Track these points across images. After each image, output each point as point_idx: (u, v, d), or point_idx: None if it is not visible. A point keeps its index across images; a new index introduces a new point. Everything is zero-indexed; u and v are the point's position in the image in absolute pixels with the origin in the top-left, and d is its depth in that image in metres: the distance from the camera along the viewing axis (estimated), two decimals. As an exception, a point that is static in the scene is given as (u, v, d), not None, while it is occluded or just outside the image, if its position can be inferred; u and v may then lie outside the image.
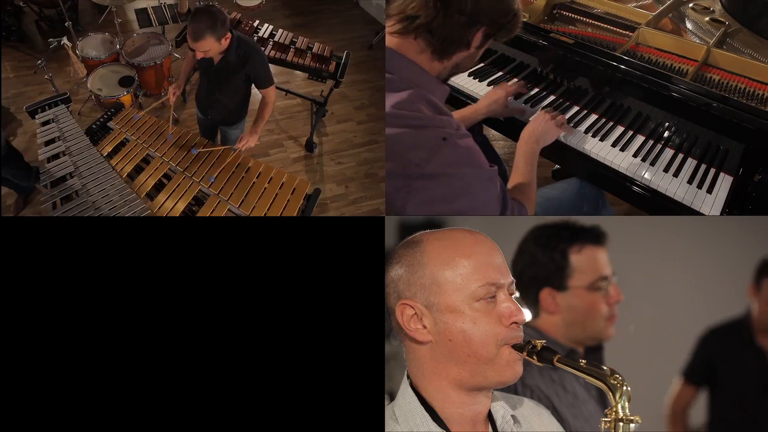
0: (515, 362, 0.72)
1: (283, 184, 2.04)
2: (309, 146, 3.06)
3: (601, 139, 1.58)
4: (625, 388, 0.69)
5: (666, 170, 1.48)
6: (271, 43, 2.88)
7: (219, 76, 2.10)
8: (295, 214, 1.94)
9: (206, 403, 1.20)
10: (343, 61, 2.82)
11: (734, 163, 1.42)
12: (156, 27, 3.25)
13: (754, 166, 1.38)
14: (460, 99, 1.79)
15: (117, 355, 1.21)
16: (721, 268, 1.95)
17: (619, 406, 0.69)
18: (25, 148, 2.70)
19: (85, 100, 3.04)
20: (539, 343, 0.72)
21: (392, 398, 0.79)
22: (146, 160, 2.10)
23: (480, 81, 1.81)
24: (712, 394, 1.78)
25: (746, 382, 1.70)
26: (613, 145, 1.56)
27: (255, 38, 2.87)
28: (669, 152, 1.52)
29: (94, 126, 2.27)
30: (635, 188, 1.49)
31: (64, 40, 2.77)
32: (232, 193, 1.97)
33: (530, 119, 1.53)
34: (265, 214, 1.92)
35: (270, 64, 2.30)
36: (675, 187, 1.43)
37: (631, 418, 0.69)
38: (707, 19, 1.79)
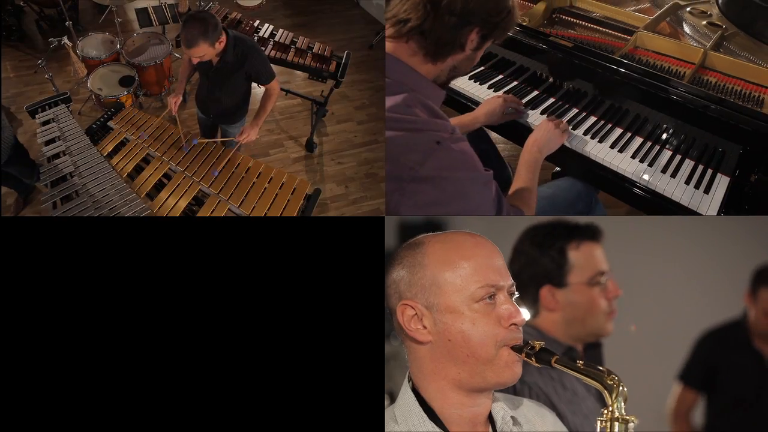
0: (514, 363, 0.73)
1: (283, 184, 2.04)
2: (309, 146, 3.07)
3: (600, 141, 1.59)
4: (621, 388, 0.70)
5: (664, 171, 1.49)
6: (271, 43, 2.88)
7: (219, 77, 2.11)
8: (295, 214, 1.95)
9: (207, 403, 1.21)
10: (343, 61, 2.83)
11: (731, 163, 1.44)
12: (156, 27, 3.25)
13: (751, 167, 1.39)
14: (461, 102, 1.80)
15: (117, 354, 1.22)
16: (719, 268, 1.96)
17: (615, 406, 0.70)
18: (26, 147, 2.70)
19: (86, 99, 3.04)
20: (538, 344, 0.73)
21: (392, 398, 0.80)
22: (146, 160, 2.10)
23: (480, 84, 1.82)
24: (710, 397, 1.79)
25: (744, 385, 1.70)
26: (612, 146, 1.57)
27: (255, 38, 2.87)
28: (667, 153, 1.53)
29: (94, 126, 2.28)
30: (633, 189, 1.50)
31: (65, 40, 2.77)
32: (232, 193, 1.97)
33: (535, 127, 1.54)
34: (265, 214, 1.92)
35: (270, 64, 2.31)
36: (673, 188, 1.45)
37: (627, 418, 0.70)
38: (704, 22, 1.80)
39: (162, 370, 1.21)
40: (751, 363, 1.71)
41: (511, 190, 1.36)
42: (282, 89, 3.04)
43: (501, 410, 0.77)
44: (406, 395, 0.76)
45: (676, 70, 1.64)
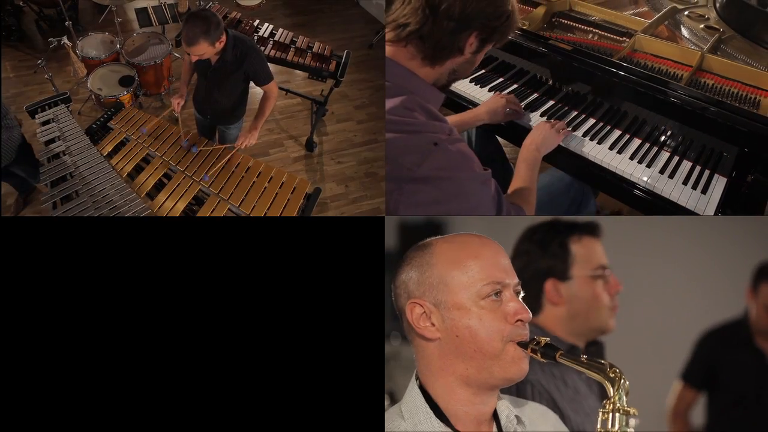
0: (520, 359, 0.74)
1: (283, 183, 2.05)
2: (309, 145, 3.07)
3: (599, 143, 1.60)
4: (623, 381, 0.72)
5: (662, 172, 1.50)
6: (271, 42, 2.89)
7: (217, 77, 2.11)
8: (295, 214, 1.95)
9: (207, 403, 1.21)
10: (343, 60, 2.83)
11: (728, 164, 1.45)
12: (156, 26, 3.25)
13: (748, 168, 1.41)
14: (462, 105, 1.82)
15: (118, 354, 1.22)
16: (717, 267, 1.97)
17: (617, 397, 0.72)
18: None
19: (85, 99, 3.04)
20: (543, 340, 0.74)
21: (392, 398, 0.81)
22: (146, 160, 2.11)
23: (481, 87, 1.84)
24: (711, 395, 1.79)
25: (745, 383, 1.71)
26: (611, 148, 1.58)
27: (255, 38, 2.88)
28: (665, 154, 1.54)
29: (94, 126, 2.28)
30: (632, 190, 1.51)
31: (64, 40, 2.77)
32: (232, 193, 1.98)
33: (532, 128, 1.56)
34: (265, 213, 1.93)
35: (270, 64, 2.31)
36: (670, 188, 1.46)
37: (628, 409, 0.72)
38: (702, 26, 1.82)
39: (163, 370, 1.22)
40: (752, 361, 1.71)
41: (510, 189, 1.37)
42: (282, 88, 3.04)
43: (506, 409, 0.79)
44: (413, 392, 0.78)
45: (674, 72, 1.66)
